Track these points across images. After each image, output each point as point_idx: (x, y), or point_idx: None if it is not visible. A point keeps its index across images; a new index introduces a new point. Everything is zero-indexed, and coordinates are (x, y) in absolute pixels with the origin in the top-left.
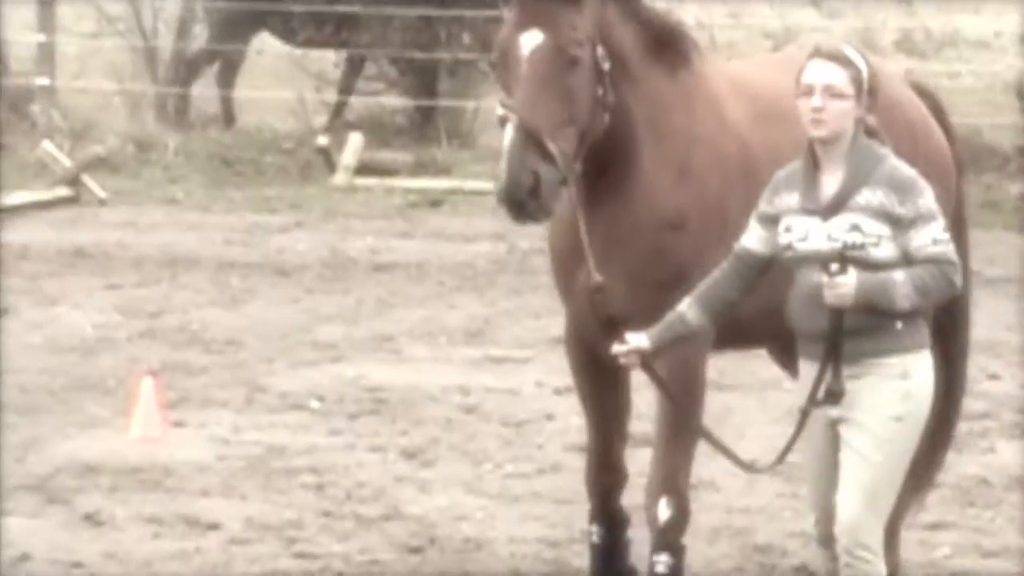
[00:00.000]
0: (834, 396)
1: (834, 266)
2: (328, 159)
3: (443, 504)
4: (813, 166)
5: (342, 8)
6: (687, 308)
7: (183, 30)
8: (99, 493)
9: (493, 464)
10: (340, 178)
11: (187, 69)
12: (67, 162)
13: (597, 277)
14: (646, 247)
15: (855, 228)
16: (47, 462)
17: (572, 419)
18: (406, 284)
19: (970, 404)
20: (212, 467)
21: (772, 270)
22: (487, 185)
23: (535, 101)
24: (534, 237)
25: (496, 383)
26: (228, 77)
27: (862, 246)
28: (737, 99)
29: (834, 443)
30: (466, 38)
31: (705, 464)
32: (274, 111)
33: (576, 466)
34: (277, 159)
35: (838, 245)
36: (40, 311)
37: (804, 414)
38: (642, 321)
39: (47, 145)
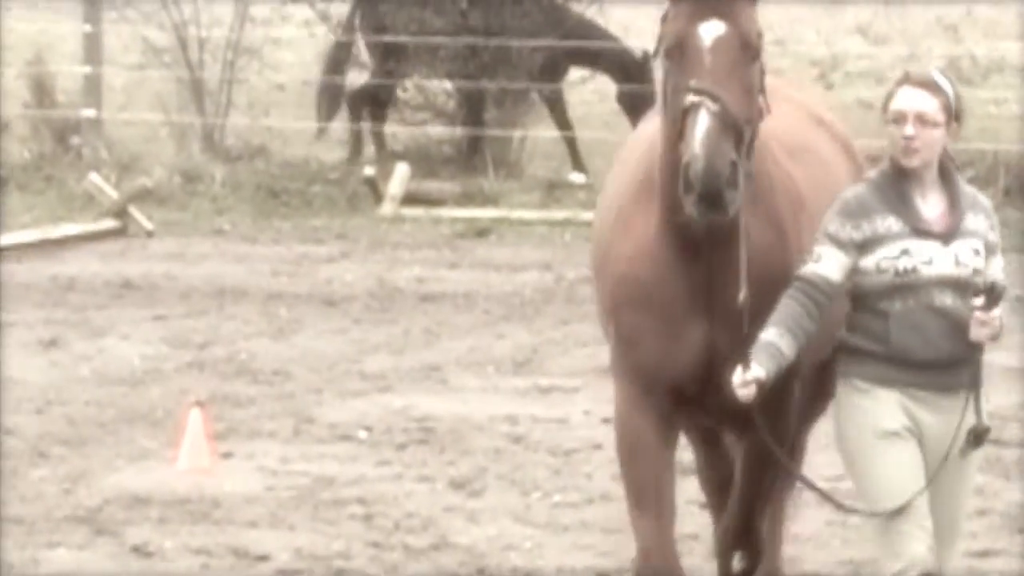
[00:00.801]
0: (984, 435)
1: (979, 299)
2: (375, 189)
3: (492, 534)
4: (907, 189)
5: (388, 38)
6: (778, 339)
7: (337, 66)
8: (148, 525)
9: (542, 494)
10: (387, 208)
11: (355, 104)
12: (114, 194)
13: (743, 295)
14: (762, 278)
15: (977, 253)
16: (96, 494)
17: None
18: (453, 314)
19: (1017, 431)
20: (260, 498)
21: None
22: (534, 214)
23: (728, 88)
24: (580, 267)
25: (544, 412)
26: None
27: (981, 271)
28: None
29: (920, 472)
30: (513, 67)
31: None
32: (320, 142)
33: (624, 496)
34: (324, 189)
35: (967, 271)
36: (88, 343)
37: (950, 453)
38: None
39: (94, 177)
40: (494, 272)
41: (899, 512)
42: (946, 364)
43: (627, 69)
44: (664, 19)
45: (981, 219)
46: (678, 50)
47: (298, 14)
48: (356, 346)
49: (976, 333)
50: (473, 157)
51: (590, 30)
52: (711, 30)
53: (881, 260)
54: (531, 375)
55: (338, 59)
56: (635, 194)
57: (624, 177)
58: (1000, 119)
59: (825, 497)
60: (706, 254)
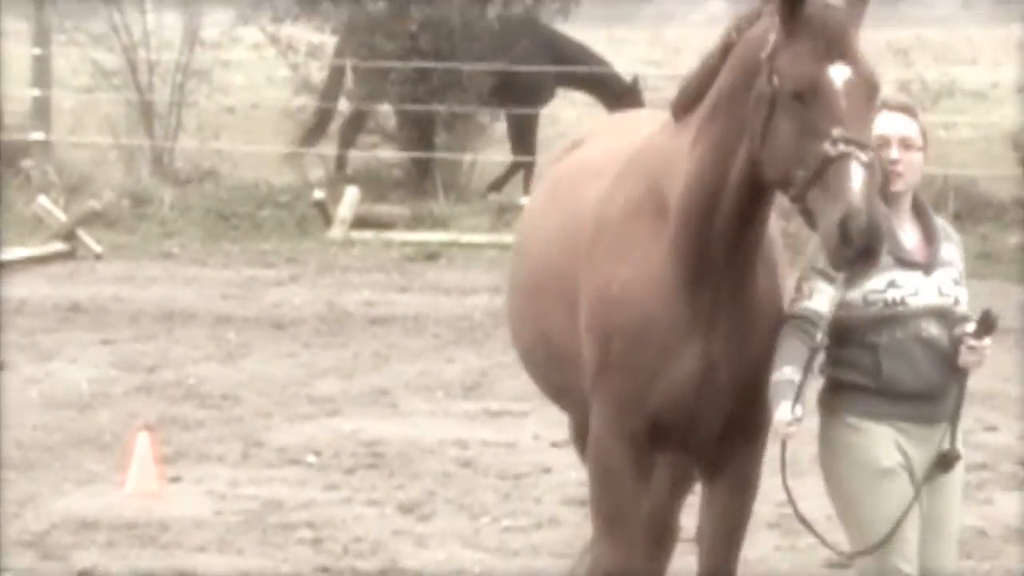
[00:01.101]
0: (954, 461)
1: (971, 326)
2: (324, 212)
3: (441, 558)
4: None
5: (339, 61)
6: (795, 376)
7: (331, 91)
8: (95, 549)
9: (491, 518)
10: (336, 232)
11: (350, 129)
12: (63, 217)
13: (821, 338)
14: (761, 316)
15: (956, 282)
16: (43, 518)
17: (570, 473)
18: (403, 338)
19: (968, 455)
20: (208, 522)
21: None
22: (484, 238)
23: (868, 135)
24: None
25: (493, 436)
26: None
27: (960, 301)
28: None
29: (916, 509)
30: (463, 91)
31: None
32: (270, 165)
33: (574, 520)
34: (273, 213)
35: (949, 300)
36: (36, 366)
37: (925, 479)
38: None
39: (43, 200)
40: (444, 296)
41: (893, 548)
42: (933, 395)
43: (616, 93)
44: (773, 55)
45: (954, 249)
46: (810, 93)
47: (248, 37)
48: (305, 370)
49: (965, 360)
50: (423, 181)
51: (580, 54)
52: (842, 73)
53: (868, 293)
54: (480, 399)
55: (333, 86)
56: (634, 215)
57: (592, 195)
58: (950, 143)
59: (818, 536)
60: (713, 283)
